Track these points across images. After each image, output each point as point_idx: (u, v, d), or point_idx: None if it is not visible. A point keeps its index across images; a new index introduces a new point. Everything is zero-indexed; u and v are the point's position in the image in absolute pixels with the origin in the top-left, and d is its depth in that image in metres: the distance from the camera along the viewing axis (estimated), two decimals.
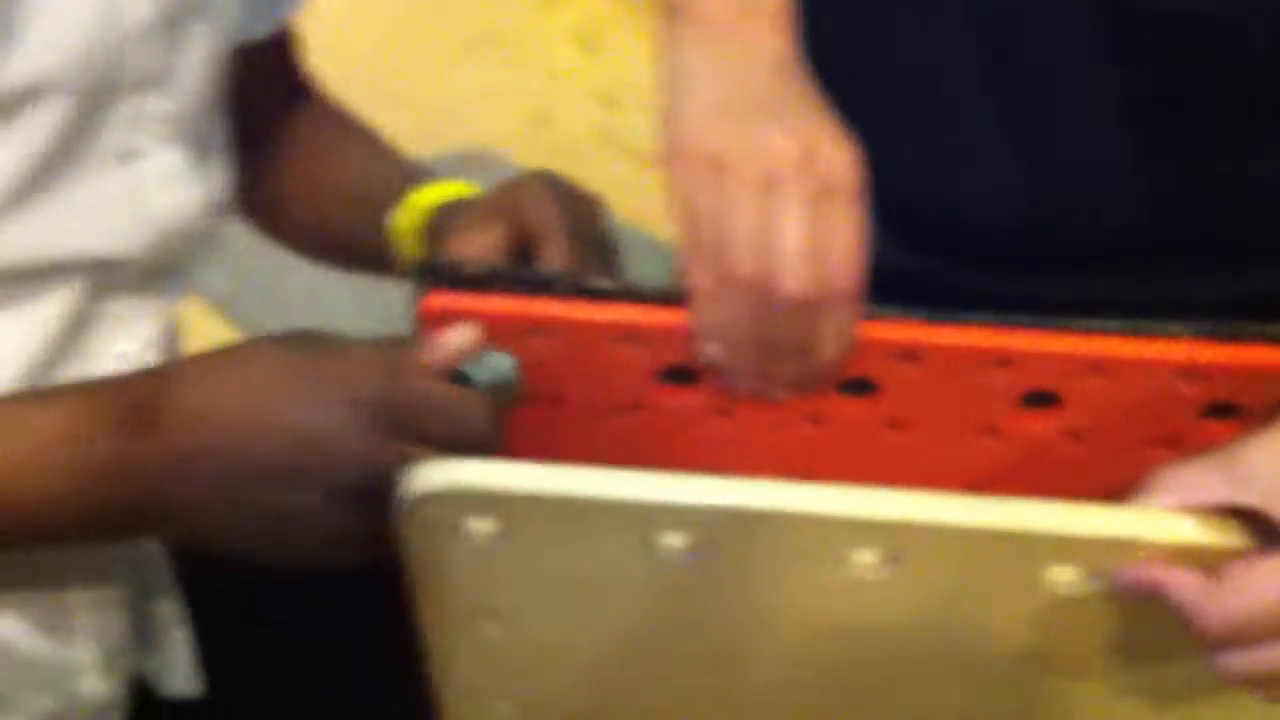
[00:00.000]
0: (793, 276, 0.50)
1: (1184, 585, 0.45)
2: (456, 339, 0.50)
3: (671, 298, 0.53)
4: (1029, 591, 0.48)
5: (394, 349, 0.48)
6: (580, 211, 0.56)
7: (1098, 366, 0.52)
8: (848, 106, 0.66)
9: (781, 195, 0.50)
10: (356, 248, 0.66)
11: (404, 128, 1.78)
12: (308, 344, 0.48)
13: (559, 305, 0.53)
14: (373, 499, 0.46)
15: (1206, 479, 0.46)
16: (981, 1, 0.63)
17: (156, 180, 0.58)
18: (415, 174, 0.66)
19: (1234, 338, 0.52)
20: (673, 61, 0.56)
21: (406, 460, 0.46)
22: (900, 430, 0.55)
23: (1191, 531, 0.46)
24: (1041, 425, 0.54)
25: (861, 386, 0.54)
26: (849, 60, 0.66)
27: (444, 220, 0.61)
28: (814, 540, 0.48)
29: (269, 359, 0.48)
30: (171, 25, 0.57)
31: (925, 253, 0.69)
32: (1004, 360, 0.52)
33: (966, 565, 0.48)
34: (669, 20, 0.58)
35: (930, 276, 0.69)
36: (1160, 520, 0.46)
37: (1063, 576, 0.48)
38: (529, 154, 1.56)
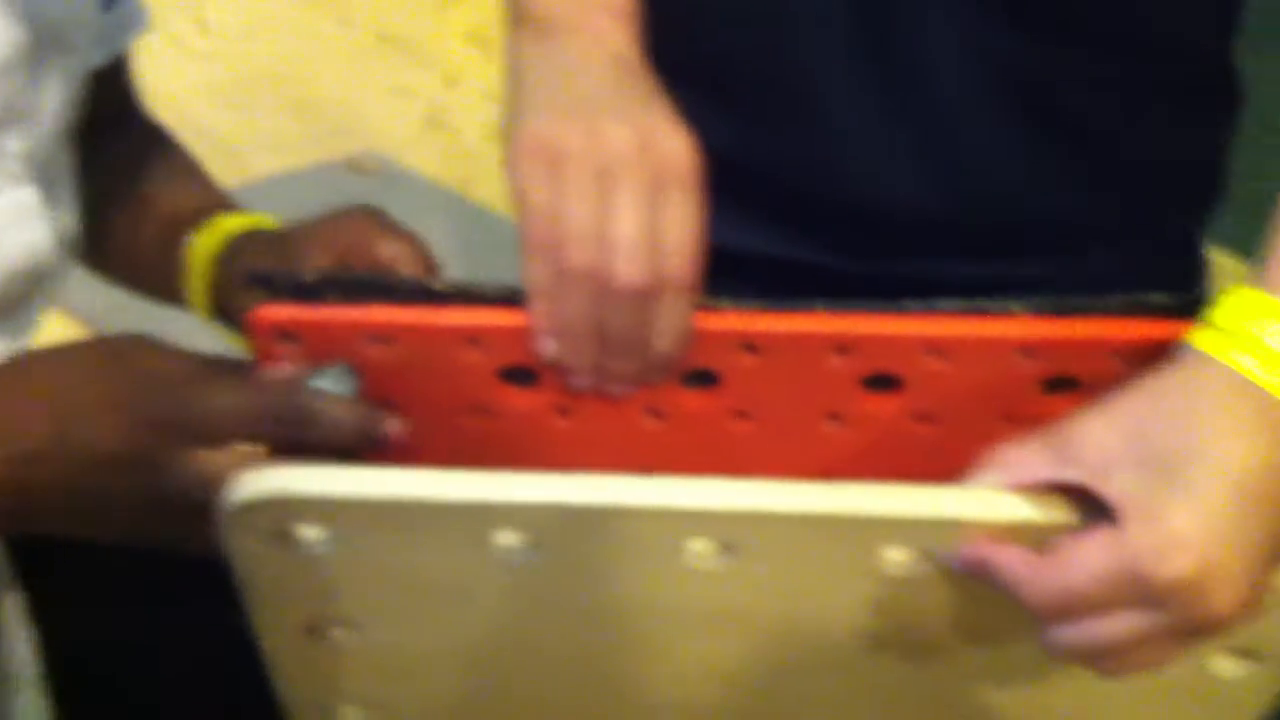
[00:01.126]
0: (628, 266, 0.49)
1: (1011, 562, 0.45)
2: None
3: (509, 298, 0.52)
4: (865, 575, 0.48)
5: (205, 363, 0.48)
6: (402, 245, 0.56)
7: (936, 347, 0.52)
8: (732, 98, 0.67)
9: (616, 187, 0.50)
10: (171, 276, 0.64)
11: (306, 133, 1.77)
12: (114, 357, 0.47)
13: (396, 311, 0.52)
14: (190, 508, 0.46)
15: (1035, 457, 0.46)
16: None
17: (7, 219, 0.57)
18: (225, 201, 0.65)
19: (1069, 312, 0.52)
20: (515, 61, 0.56)
21: (214, 471, 0.46)
22: (746, 420, 0.55)
23: (1019, 509, 0.46)
24: (885, 408, 0.54)
25: (703, 378, 0.54)
26: (731, 51, 0.67)
27: (243, 245, 0.60)
28: (646, 533, 0.47)
29: (73, 372, 0.47)
30: (31, 62, 0.56)
31: (821, 244, 0.69)
32: (842, 345, 0.52)
33: (801, 552, 0.48)
34: (512, 22, 0.58)
35: (826, 268, 0.69)
36: (989, 499, 0.46)
37: (896, 558, 0.48)
38: (423, 156, 1.54)
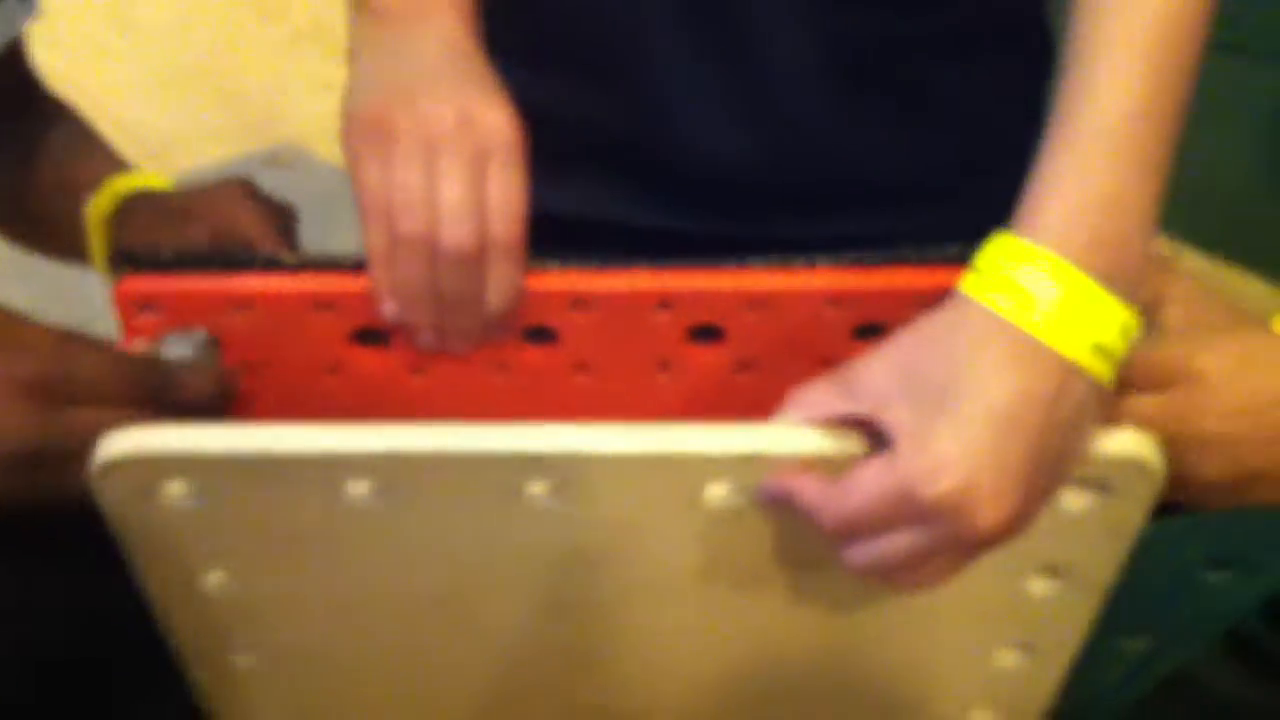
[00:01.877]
0: (453, 230, 0.54)
1: (807, 490, 0.50)
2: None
3: (356, 266, 0.57)
4: (690, 510, 0.53)
5: (68, 333, 0.52)
6: (275, 217, 0.60)
7: (753, 300, 0.57)
8: (572, 66, 0.70)
9: (441, 159, 0.54)
10: (79, 240, 0.68)
11: (233, 127, 1.80)
12: None
13: (250, 280, 0.57)
14: (64, 463, 0.50)
15: (827, 394, 0.51)
16: None
17: None
18: (119, 164, 0.70)
19: (871, 264, 0.57)
20: (354, 46, 0.60)
21: (84, 429, 0.50)
22: (585, 372, 0.59)
23: (813, 442, 0.50)
24: (710, 358, 0.59)
25: (543, 335, 0.58)
26: (570, 19, 0.70)
27: (133, 207, 0.64)
28: (486, 477, 0.52)
29: None
30: None
31: (666, 208, 0.73)
32: (666, 301, 0.57)
33: (630, 489, 0.52)
34: (353, 9, 0.62)
35: (674, 231, 0.73)
36: (788, 435, 0.51)
37: (717, 493, 0.52)
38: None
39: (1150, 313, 0.59)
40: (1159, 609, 0.62)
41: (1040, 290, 0.48)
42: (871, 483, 0.49)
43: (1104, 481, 0.52)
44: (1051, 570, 0.56)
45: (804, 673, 0.61)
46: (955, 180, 0.73)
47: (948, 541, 0.49)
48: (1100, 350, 0.49)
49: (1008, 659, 0.60)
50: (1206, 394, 0.52)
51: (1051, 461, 0.49)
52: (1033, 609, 0.58)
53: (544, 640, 0.59)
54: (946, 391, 0.48)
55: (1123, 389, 0.53)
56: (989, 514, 0.48)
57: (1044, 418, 0.48)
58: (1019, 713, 0.63)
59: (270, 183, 0.70)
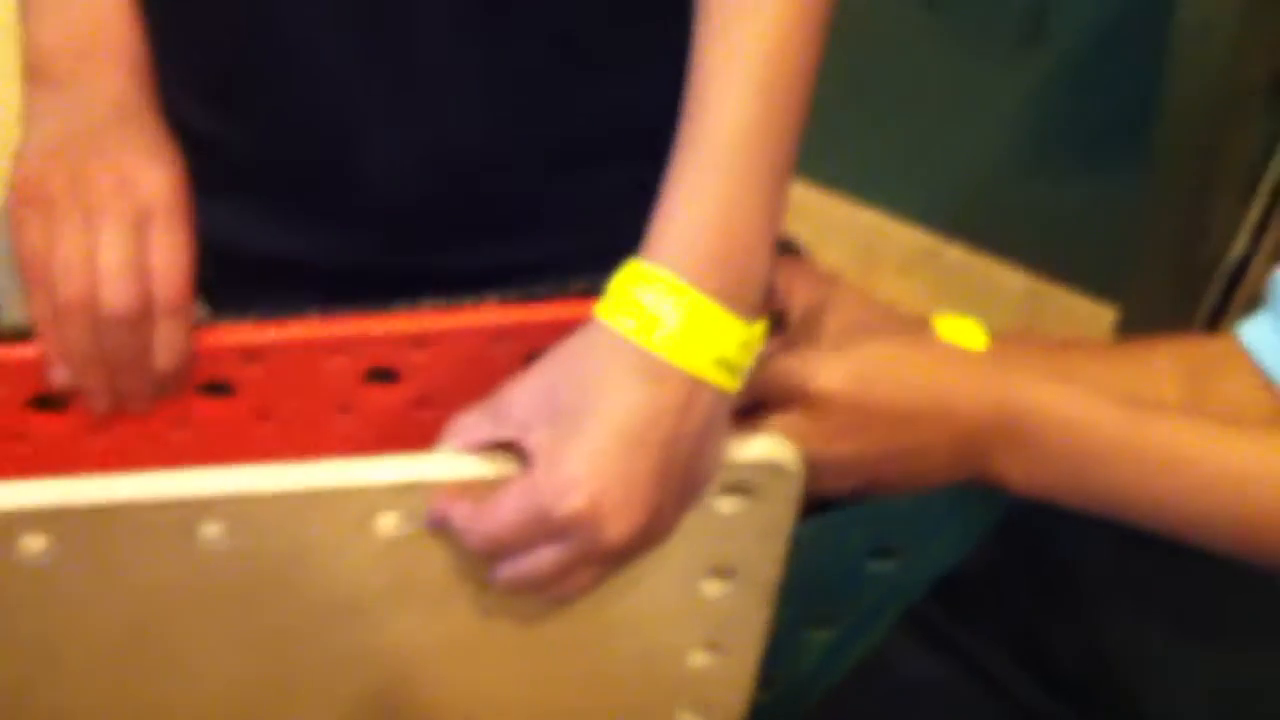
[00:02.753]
0: (114, 292, 0.55)
1: (458, 513, 0.52)
2: None
3: (26, 334, 0.58)
4: (365, 538, 0.54)
5: None
6: None
7: (420, 340, 0.60)
8: (245, 105, 0.70)
9: (100, 223, 0.56)
10: None
11: None
12: None
13: None
14: None
15: (479, 421, 0.53)
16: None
17: None
18: None
19: (535, 299, 0.60)
20: (26, 116, 0.61)
21: None
22: (267, 421, 0.61)
23: (466, 468, 0.53)
24: (388, 398, 0.61)
25: (219, 388, 0.60)
26: (235, 56, 0.70)
27: None
28: (158, 523, 0.53)
29: None
30: None
31: (346, 244, 0.74)
32: (337, 346, 0.59)
33: (303, 524, 0.54)
34: (25, 74, 0.63)
35: (372, 265, 0.74)
36: (442, 463, 0.53)
37: (388, 521, 0.54)
38: None
39: (811, 319, 0.63)
40: (836, 600, 0.66)
41: (662, 311, 0.51)
42: (511, 503, 0.51)
43: (747, 485, 0.56)
44: (720, 572, 0.60)
45: (507, 686, 0.63)
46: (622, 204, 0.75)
47: (584, 554, 0.51)
48: (723, 364, 0.52)
49: (699, 659, 0.64)
50: (818, 417, 0.56)
51: (682, 472, 0.52)
52: (712, 609, 0.61)
53: (250, 672, 0.60)
54: (578, 412, 0.51)
55: (755, 401, 0.57)
56: (617, 527, 0.51)
57: (671, 431, 0.51)
58: (722, 709, 0.66)
59: None
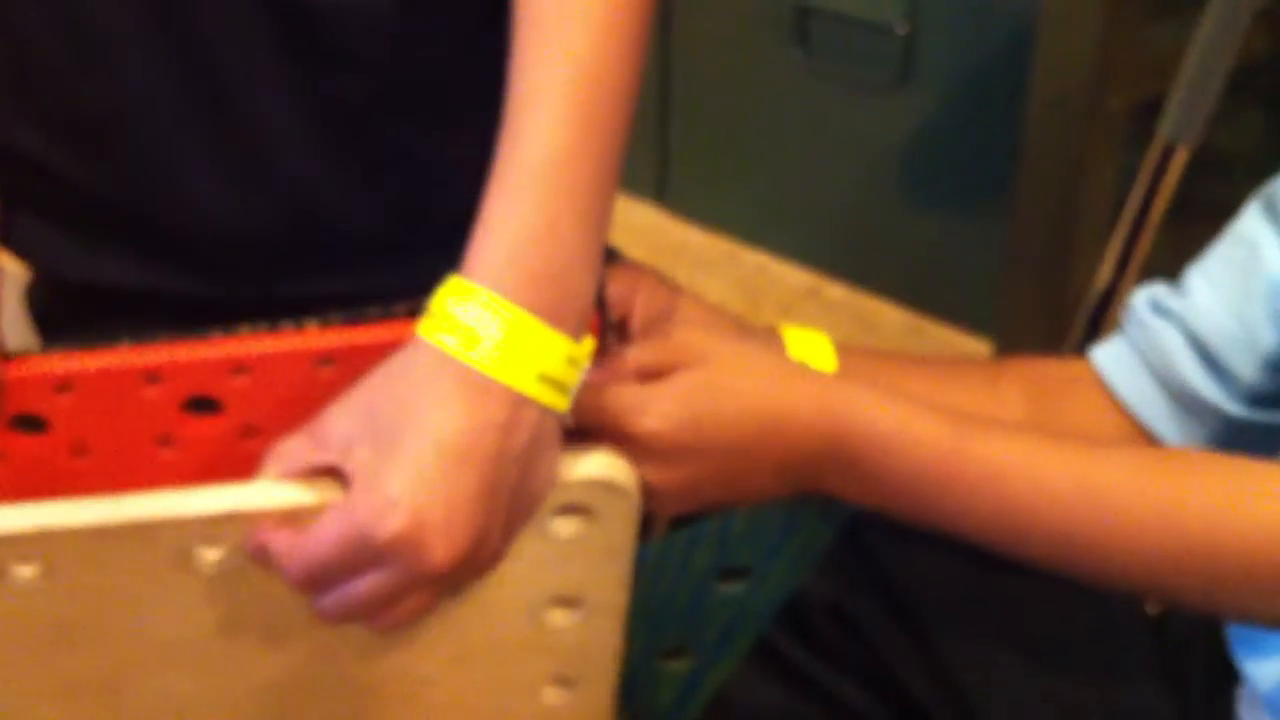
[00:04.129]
0: None
1: (277, 543, 0.50)
2: None
3: None
4: (186, 573, 0.52)
5: None
6: None
7: (240, 366, 0.58)
8: (77, 136, 0.69)
9: None
10: None
11: None
12: None
13: None
14: None
15: (299, 446, 0.52)
16: (164, 20, 0.66)
17: None
18: None
19: (359, 322, 0.59)
20: None
21: None
22: (84, 456, 0.59)
23: (284, 496, 0.51)
24: (209, 428, 0.59)
25: (32, 423, 0.58)
26: (67, 88, 0.68)
27: None
28: None
29: None
30: None
31: (178, 272, 0.73)
32: (152, 375, 0.57)
33: (117, 561, 0.51)
34: None
35: (189, 295, 0.73)
36: (259, 491, 0.51)
37: (211, 555, 0.52)
38: None
39: (653, 328, 0.62)
40: (687, 625, 0.65)
41: (482, 326, 0.50)
42: (329, 530, 0.49)
43: (584, 505, 0.54)
44: (564, 600, 0.58)
45: None
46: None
47: (410, 579, 0.50)
48: (547, 380, 0.51)
49: (553, 695, 0.61)
50: (648, 454, 0.55)
51: (509, 491, 0.50)
52: (560, 641, 0.59)
53: None
54: (398, 431, 0.49)
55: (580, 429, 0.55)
56: (442, 550, 0.49)
57: (495, 448, 0.50)
58: None
59: None
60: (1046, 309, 1.47)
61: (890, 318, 1.75)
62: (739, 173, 1.86)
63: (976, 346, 1.66)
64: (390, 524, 0.48)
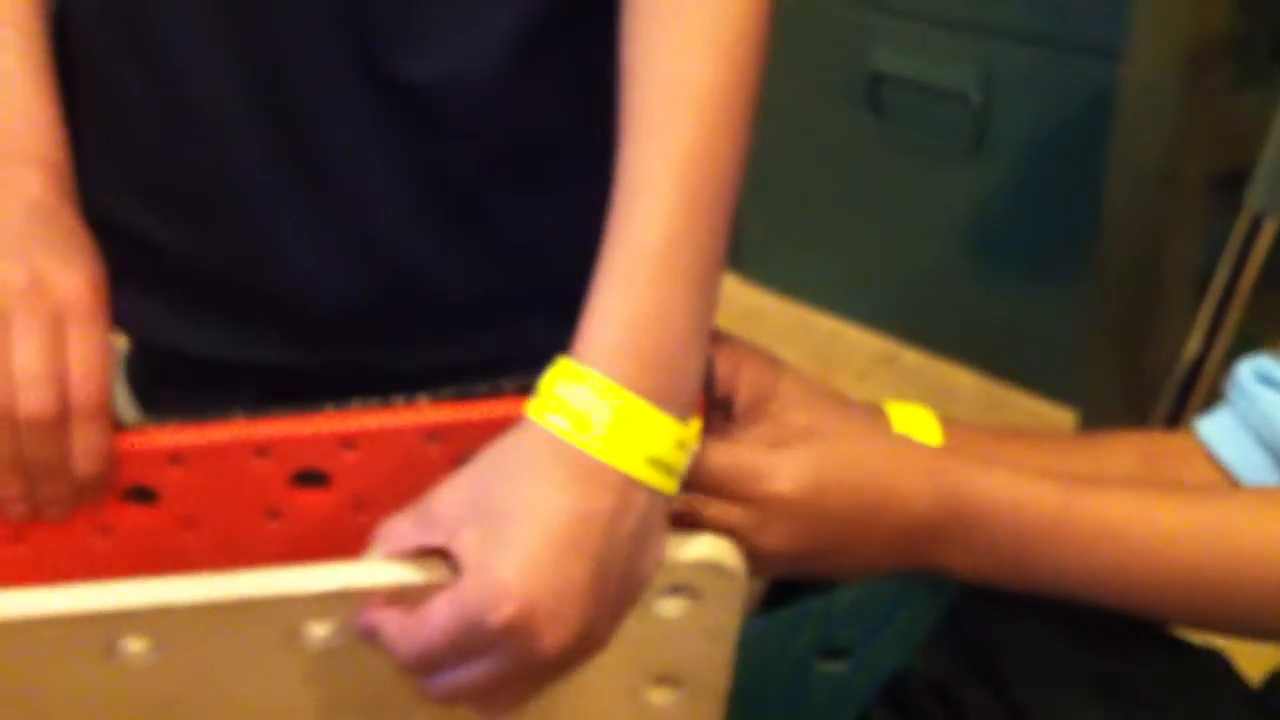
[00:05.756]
0: (30, 399, 0.54)
1: (387, 623, 0.50)
2: None
3: None
4: (292, 650, 0.52)
5: None
6: None
7: (349, 441, 0.58)
8: (176, 206, 0.70)
9: (13, 326, 0.54)
10: None
11: None
12: None
13: None
14: None
15: (407, 526, 0.52)
16: (264, 94, 0.67)
17: None
18: None
19: (469, 398, 0.59)
20: None
21: None
22: (193, 529, 0.59)
23: (394, 575, 0.51)
24: (318, 501, 0.60)
25: (142, 494, 0.58)
26: (167, 160, 0.70)
27: None
28: (74, 638, 0.51)
29: None
30: None
31: (277, 342, 0.73)
32: (262, 449, 0.58)
33: (225, 637, 0.52)
34: None
35: (286, 366, 0.73)
36: (369, 569, 0.52)
37: (319, 632, 0.52)
38: None
39: (758, 405, 0.62)
40: (788, 706, 0.64)
41: (593, 410, 0.50)
42: (440, 615, 0.49)
43: (689, 586, 0.54)
44: (666, 680, 0.58)
45: None
46: (543, 298, 0.72)
47: (519, 666, 0.49)
48: (656, 463, 0.51)
49: None
50: (773, 517, 0.55)
51: (618, 576, 0.50)
52: (657, 717, 0.59)
53: None
54: (507, 515, 0.49)
55: (704, 492, 0.56)
56: (552, 637, 0.49)
57: (605, 535, 0.50)
58: None
59: None
60: (1128, 378, 1.45)
61: (966, 384, 1.74)
62: (813, 239, 1.86)
63: (1058, 415, 1.64)
64: (501, 612, 0.48)
